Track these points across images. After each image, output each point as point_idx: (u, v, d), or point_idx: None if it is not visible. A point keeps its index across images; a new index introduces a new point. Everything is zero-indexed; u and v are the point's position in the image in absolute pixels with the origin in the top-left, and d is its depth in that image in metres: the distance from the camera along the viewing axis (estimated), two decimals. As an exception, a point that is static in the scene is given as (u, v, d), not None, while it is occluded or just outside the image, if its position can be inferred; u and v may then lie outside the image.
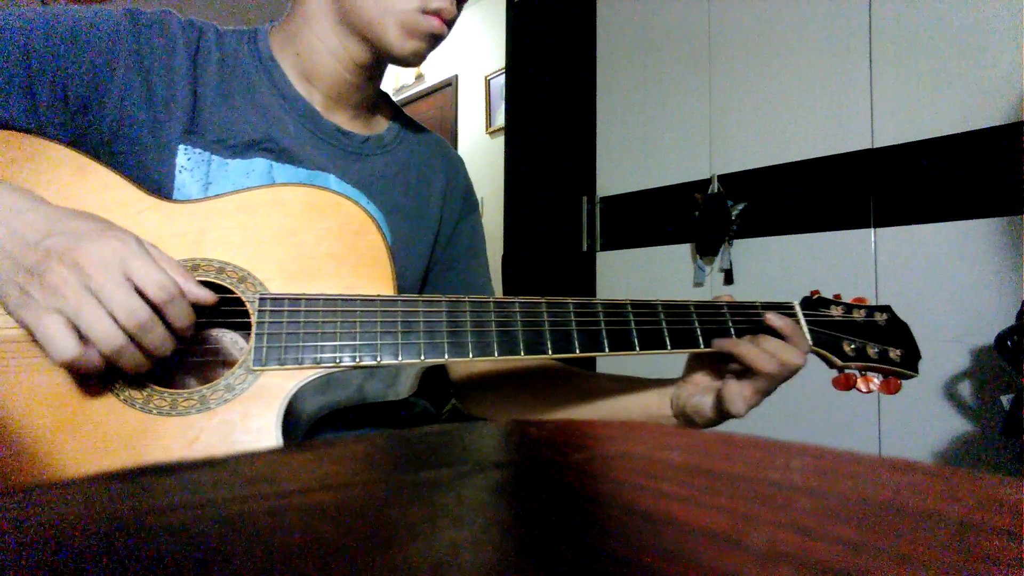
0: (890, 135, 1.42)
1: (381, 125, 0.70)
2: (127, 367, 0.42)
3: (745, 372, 0.54)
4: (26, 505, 0.15)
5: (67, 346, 0.39)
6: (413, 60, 0.60)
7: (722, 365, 0.58)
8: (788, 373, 0.54)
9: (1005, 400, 1.13)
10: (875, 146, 1.45)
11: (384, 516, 0.13)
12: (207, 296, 0.45)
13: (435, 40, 0.60)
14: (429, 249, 0.71)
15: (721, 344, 0.55)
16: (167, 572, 0.10)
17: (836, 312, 0.60)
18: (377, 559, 0.11)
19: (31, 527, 0.13)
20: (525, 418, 0.68)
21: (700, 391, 0.58)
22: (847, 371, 0.58)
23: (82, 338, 0.40)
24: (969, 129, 1.30)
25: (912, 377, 0.59)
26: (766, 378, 0.52)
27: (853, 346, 0.58)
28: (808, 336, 0.58)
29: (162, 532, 0.12)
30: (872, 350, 0.58)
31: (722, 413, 0.55)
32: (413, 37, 0.58)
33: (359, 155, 0.66)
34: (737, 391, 0.53)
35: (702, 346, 0.55)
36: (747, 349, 0.53)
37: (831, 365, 0.58)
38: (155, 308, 0.41)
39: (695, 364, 0.60)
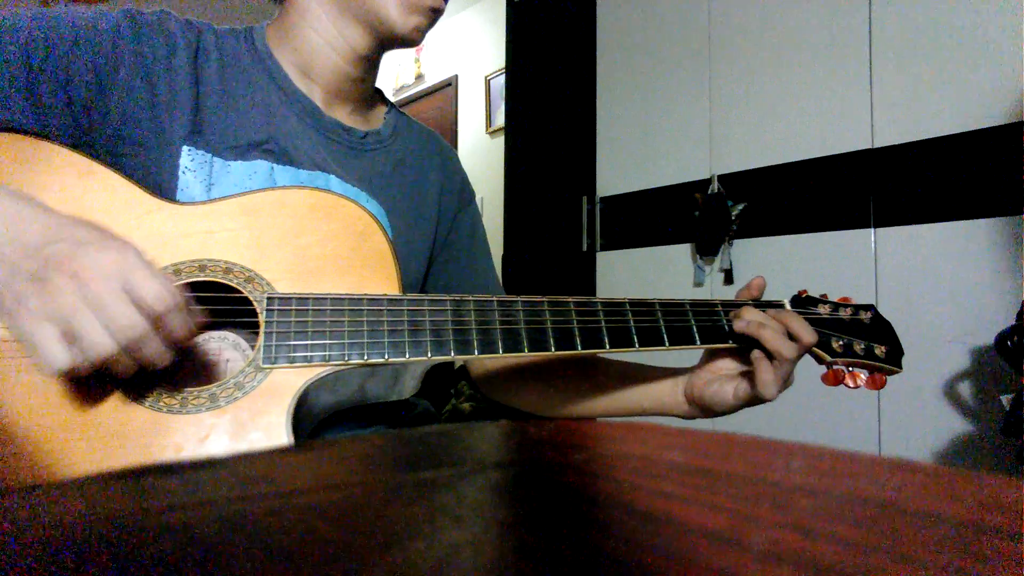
0: (890, 135, 1.42)
1: (378, 120, 0.71)
2: (118, 375, 0.41)
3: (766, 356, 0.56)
4: (26, 505, 0.15)
5: (57, 356, 0.38)
6: (414, 37, 0.61)
7: (740, 356, 0.59)
8: (799, 356, 0.56)
9: (1005, 400, 1.13)
10: (875, 146, 1.45)
11: (384, 516, 0.13)
12: (188, 329, 0.43)
13: (435, 15, 0.61)
14: (429, 244, 0.71)
15: (742, 327, 0.56)
16: (167, 572, 0.10)
17: (823, 310, 0.61)
18: (377, 559, 0.11)
19: (31, 527, 0.13)
20: (541, 407, 0.71)
21: (719, 379, 0.59)
22: (835, 367, 0.60)
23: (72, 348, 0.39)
24: (969, 129, 1.30)
25: (896, 373, 0.61)
26: (786, 362, 0.54)
27: (841, 343, 0.59)
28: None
29: (162, 532, 0.12)
30: (858, 347, 0.60)
31: (747, 400, 0.56)
32: (414, 12, 0.59)
33: (360, 151, 0.66)
34: (771, 376, 0.54)
35: (698, 342, 0.56)
36: (768, 334, 0.55)
37: (820, 361, 0.60)
38: (154, 319, 0.41)
39: (713, 353, 0.61)
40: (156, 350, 0.41)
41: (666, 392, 0.63)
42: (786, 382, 0.56)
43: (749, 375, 0.56)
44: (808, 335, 0.55)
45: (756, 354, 0.55)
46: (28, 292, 0.38)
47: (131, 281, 0.39)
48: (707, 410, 0.60)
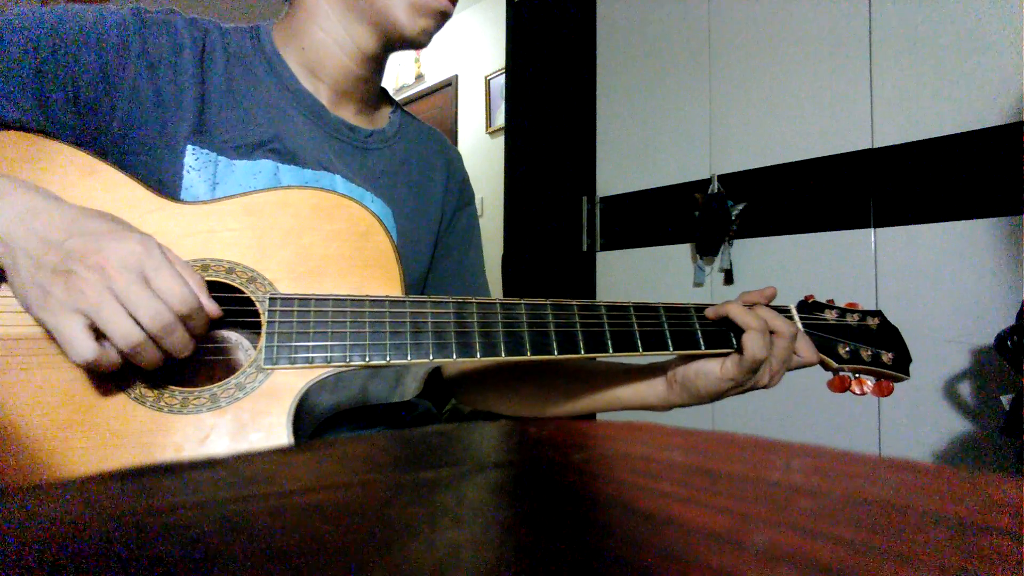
0: (890, 135, 1.42)
1: (383, 119, 0.71)
2: (145, 365, 0.42)
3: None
4: (26, 505, 0.15)
5: (87, 347, 0.39)
6: (422, 39, 0.62)
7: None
8: (783, 342, 0.55)
9: (1005, 400, 1.13)
10: (875, 146, 1.45)
11: (384, 516, 0.13)
12: (216, 310, 0.45)
13: (443, 18, 0.62)
14: (432, 244, 0.71)
15: (714, 311, 0.57)
16: (167, 572, 0.10)
17: (830, 316, 0.61)
18: (377, 559, 0.11)
19: (31, 527, 0.13)
20: (517, 408, 0.69)
21: (704, 360, 0.58)
22: (841, 373, 0.59)
23: (100, 339, 0.40)
24: (969, 129, 1.30)
25: (903, 380, 0.60)
26: (754, 332, 0.54)
27: (847, 349, 0.59)
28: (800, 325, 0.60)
29: (162, 532, 0.12)
30: (865, 353, 0.59)
31: (735, 373, 0.55)
32: (422, 15, 0.60)
33: (364, 149, 0.66)
34: (759, 340, 0.54)
35: (703, 347, 0.55)
36: (735, 309, 0.55)
37: (826, 367, 0.59)
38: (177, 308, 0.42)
39: None
40: (181, 339, 0.42)
41: (644, 384, 0.62)
42: (773, 375, 0.56)
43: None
44: (785, 328, 0.55)
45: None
46: (53, 285, 0.40)
47: (152, 274, 0.41)
48: (692, 391, 0.58)
